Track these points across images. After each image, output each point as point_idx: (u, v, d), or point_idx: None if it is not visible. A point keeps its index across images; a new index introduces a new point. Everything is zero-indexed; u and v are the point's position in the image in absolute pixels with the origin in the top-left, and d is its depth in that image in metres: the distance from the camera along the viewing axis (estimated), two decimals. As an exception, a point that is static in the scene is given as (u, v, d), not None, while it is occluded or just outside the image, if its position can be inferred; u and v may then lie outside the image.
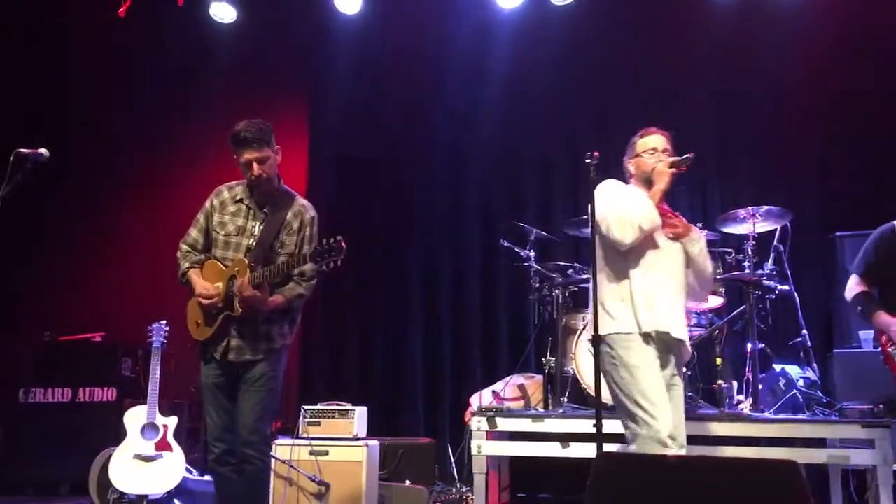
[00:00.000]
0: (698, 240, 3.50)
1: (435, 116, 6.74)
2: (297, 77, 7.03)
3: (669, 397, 3.28)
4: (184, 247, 3.72)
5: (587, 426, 4.48)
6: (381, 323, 6.58)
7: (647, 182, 3.45)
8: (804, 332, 5.13)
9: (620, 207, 3.34)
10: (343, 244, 3.28)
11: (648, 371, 3.23)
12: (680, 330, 3.35)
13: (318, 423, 4.85)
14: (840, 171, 6.03)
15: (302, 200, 3.72)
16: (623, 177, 3.63)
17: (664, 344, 3.33)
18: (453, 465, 5.74)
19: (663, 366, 3.33)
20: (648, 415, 3.17)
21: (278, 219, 3.60)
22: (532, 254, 5.42)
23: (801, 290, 5.34)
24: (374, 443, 4.94)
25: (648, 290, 3.32)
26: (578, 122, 6.44)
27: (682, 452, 3.28)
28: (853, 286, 4.32)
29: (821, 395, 4.85)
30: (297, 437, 4.84)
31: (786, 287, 5.13)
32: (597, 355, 3.23)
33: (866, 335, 5.27)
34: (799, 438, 4.60)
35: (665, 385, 3.30)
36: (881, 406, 4.54)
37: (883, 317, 4.18)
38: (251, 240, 3.60)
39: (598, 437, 3.21)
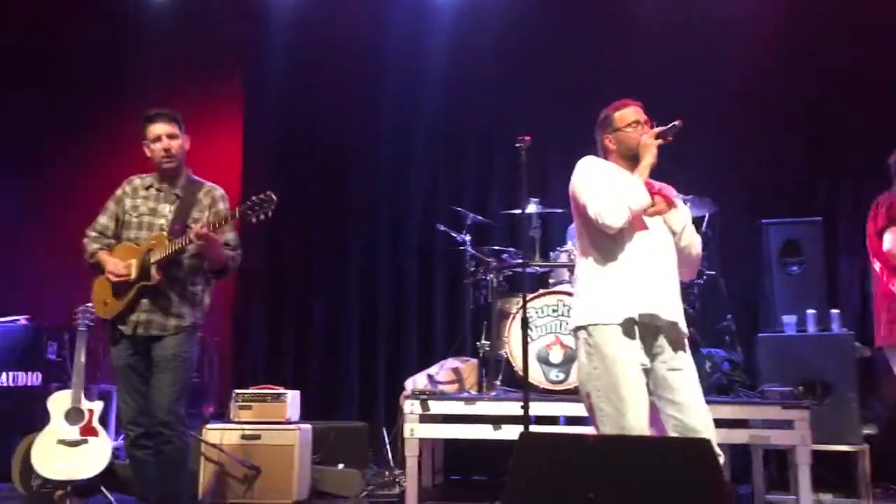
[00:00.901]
0: (682, 214, 3.21)
1: (374, 102, 6.70)
2: (232, 63, 6.87)
3: (674, 383, 3.00)
4: (92, 233, 3.76)
5: (519, 408, 4.58)
6: (317, 307, 6.54)
7: (631, 158, 3.18)
8: (730, 316, 5.28)
9: (607, 189, 3.09)
10: (273, 196, 3.38)
11: (625, 364, 2.98)
12: (671, 311, 3.07)
13: (250, 408, 4.82)
14: (768, 159, 6.19)
15: (211, 183, 3.84)
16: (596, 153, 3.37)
17: (654, 329, 3.04)
18: (388, 448, 5.76)
19: (654, 354, 3.06)
20: (617, 411, 2.93)
21: (189, 198, 3.71)
22: (468, 238, 5.44)
23: (728, 276, 5.50)
24: (307, 426, 4.92)
25: (635, 272, 3.07)
26: (518, 107, 6.46)
27: (710, 436, 2.90)
28: None
29: (745, 377, 4.99)
30: (229, 422, 4.80)
31: (713, 272, 5.27)
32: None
33: (789, 319, 5.44)
34: (724, 419, 4.74)
35: (662, 374, 3.03)
36: (801, 388, 4.71)
37: None
38: (162, 220, 3.69)
39: (525, 419, 3.26)
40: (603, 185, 3.10)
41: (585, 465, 2.37)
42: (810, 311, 5.41)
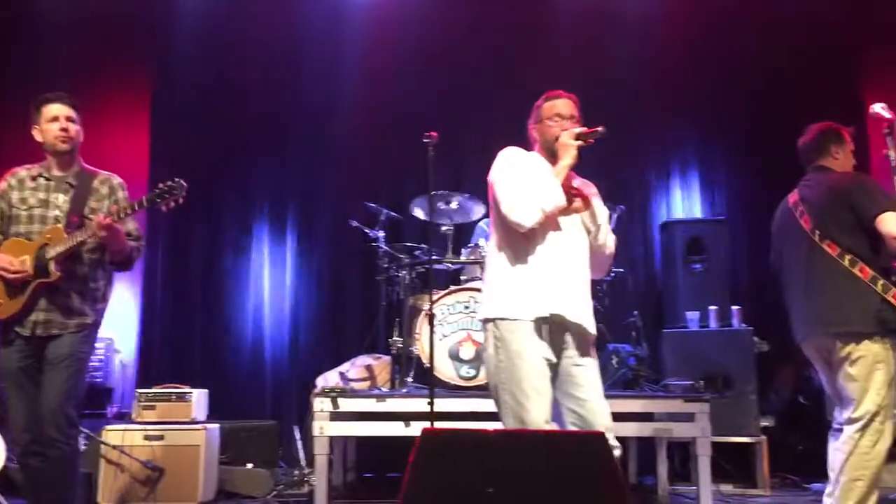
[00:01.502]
0: (598, 213, 3.16)
1: (288, 95, 6.59)
2: (140, 51, 6.63)
3: (577, 378, 3.02)
4: None
5: (425, 405, 4.59)
6: (227, 303, 6.40)
7: (552, 152, 3.12)
8: (636, 312, 5.41)
9: (521, 186, 3.03)
10: (183, 183, 3.26)
11: (530, 359, 2.97)
12: (580, 314, 3.05)
13: (154, 407, 4.69)
14: (675, 159, 6.36)
15: (107, 172, 3.67)
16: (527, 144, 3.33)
17: (561, 328, 3.04)
18: (299, 446, 5.69)
19: (561, 350, 3.05)
20: (521, 406, 2.94)
21: (84, 187, 3.52)
22: (381, 234, 5.42)
23: (635, 273, 5.64)
24: (214, 426, 4.81)
25: (546, 271, 3.03)
26: (433, 102, 6.45)
27: (609, 436, 2.93)
28: None
29: (649, 372, 5.12)
30: (131, 422, 4.66)
31: (621, 269, 5.39)
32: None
33: (692, 315, 5.62)
34: (630, 413, 4.85)
35: (567, 370, 3.04)
36: (701, 382, 4.85)
37: None
38: (56, 211, 3.50)
39: (431, 416, 3.26)
40: (519, 180, 3.05)
41: (484, 460, 2.37)
42: (712, 308, 5.60)
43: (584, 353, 3.07)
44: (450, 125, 6.43)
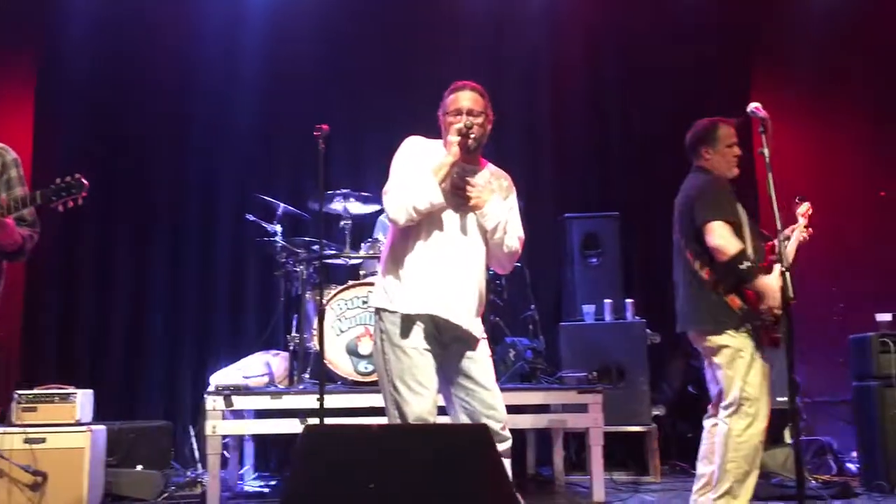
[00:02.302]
0: (493, 214, 3.09)
1: (184, 87, 6.39)
2: (25, 39, 6.29)
3: (467, 372, 3.04)
4: None
5: (328, 401, 4.54)
6: (118, 299, 6.15)
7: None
8: (533, 306, 5.49)
9: (400, 181, 3.02)
10: (84, 181, 3.05)
11: (413, 352, 2.99)
12: (459, 314, 3.03)
13: (35, 409, 4.46)
14: (572, 155, 6.49)
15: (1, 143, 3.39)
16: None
17: (443, 327, 3.04)
18: (194, 446, 5.55)
19: (446, 344, 3.07)
20: (402, 398, 2.95)
21: None
22: (279, 229, 5.33)
23: (533, 268, 5.71)
24: (101, 428, 4.63)
25: (429, 269, 3.02)
26: (332, 96, 6.39)
27: (500, 427, 3.02)
28: (731, 235, 3.53)
29: (546, 364, 5.21)
30: (10, 425, 4.43)
31: (519, 264, 5.45)
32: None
33: (588, 309, 5.75)
34: (527, 405, 4.93)
35: (456, 364, 3.05)
36: (595, 373, 4.97)
37: (766, 280, 3.57)
38: None
39: (321, 412, 3.22)
40: (405, 174, 3.02)
41: (367, 455, 2.36)
42: (607, 301, 5.74)
43: (472, 347, 3.09)
44: (352, 118, 6.42)
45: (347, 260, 5.13)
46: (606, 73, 6.61)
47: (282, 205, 5.38)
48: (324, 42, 6.46)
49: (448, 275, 3.03)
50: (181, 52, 6.38)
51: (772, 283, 3.47)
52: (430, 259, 3.04)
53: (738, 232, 3.55)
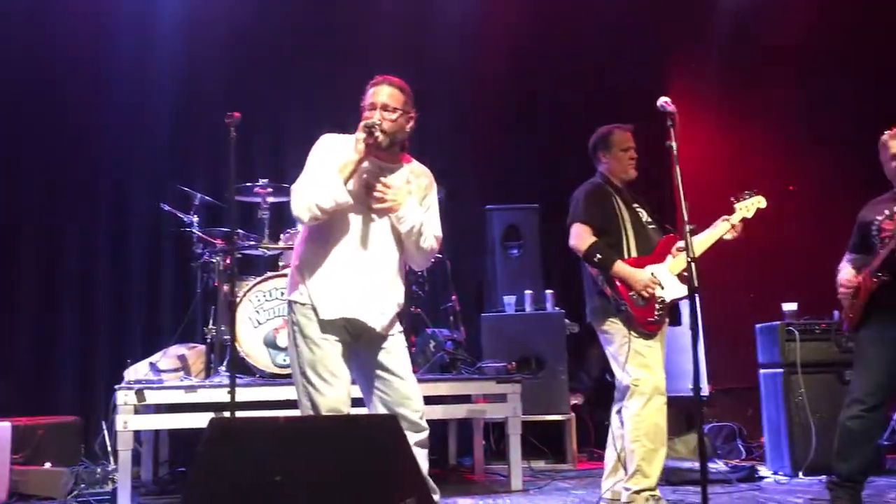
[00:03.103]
0: (407, 218, 3.05)
1: (98, 74, 6.16)
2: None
3: (383, 364, 3.05)
4: None
5: (243, 395, 4.48)
6: (26, 290, 5.90)
7: None
8: (454, 297, 5.52)
9: (308, 179, 2.99)
10: None
11: (325, 344, 2.98)
12: (374, 317, 3.02)
13: (-68, 406, 4.28)
14: (494, 148, 6.53)
15: None
16: None
17: (355, 325, 3.04)
18: (107, 442, 5.39)
19: (360, 335, 3.06)
20: (314, 388, 2.95)
21: None
22: (196, 219, 5.21)
23: (455, 259, 5.73)
24: (5, 424, 4.47)
25: (340, 272, 3.01)
26: (253, 86, 6.27)
27: (417, 417, 3.04)
28: (586, 235, 3.82)
29: (466, 355, 5.24)
30: None
31: (440, 255, 5.47)
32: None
33: (509, 300, 5.81)
34: (449, 396, 4.96)
35: (371, 356, 3.06)
36: (514, 364, 5.03)
37: (624, 268, 3.76)
38: None
39: (232, 406, 3.17)
40: (309, 175, 3.01)
41: (274, 448, 2.34)
42: (528, 292, 5.81)
43: (384, 339, 3.09)
44: (274, 107, 6.32)
45: (266, 251, 5.05)
46: (527, 68, 6.67)
47: (199, 194, 5.27)
48: (245, 29, 6.32)
49: (360, 277, 3.03)
50: (92, 38, 6.15)
51: (633, 270, 3.71)
52: (342, 260, 3.03)
53: (610, 231, 3.82)
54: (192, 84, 6.26)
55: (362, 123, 3.00)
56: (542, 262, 6.09)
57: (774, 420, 5.06)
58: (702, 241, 3.82)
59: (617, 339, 3.78)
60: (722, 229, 3.86)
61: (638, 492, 3.63)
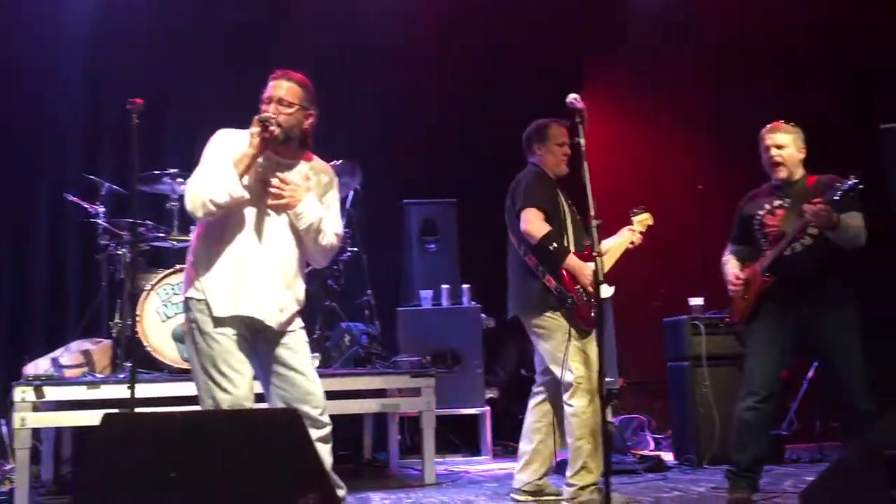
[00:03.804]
0: (307, 215, 3.02)
1: (2, 61, 5.89)
2: None
3: (283, 360, 3.02)
4: None
5: (149, 391, 4.36)
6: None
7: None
8: (369, 291, 5.49)
9: (202, 174, 2.94)
10: None
11: (223, 338, 2.94)
12: (272, 315, 2.99)
13: None
14: (411, 142, 6.51)
15: None
16: None
17: (249, 321, 3.00)
18: (6, 440, 5.16)
19: (259, 330, 3.01)
20: (216, 385, 2.91)
21: None
22: (102, 209, 5.04)
23: (372, 252, 5.70)
24: None
25: (237, 269, 2.96)
26: (165, 74, 6.09)
27: (318, 413, 3.02)
28: (540, 221, 3.73)
29: (381, 349, 5.22)
30: None
31: (356, 249, 5.44)
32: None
33: (426, 294, 5.81)
34: (364, 390, 4.93)
35: (271, 351, 3.02)
36: (428, 358, 5.03)
37: (576, 261, 3.76)
38: None
39: (132, 402, 3.08)
40: (204, 169, 2.96)
41: (170, 444, 2.27)
42: (444, 286, 5.83)
43: (284, 335, 3.06)
44: (186, 96, 6.14)
45: (175, 243, 4.92)
46: (445, 64, 6.68)
47: (106, 183, 5.10)
48: (158, 13, 6.14)
49: (256, 273, 2.99)
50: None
51: (584, 264, 3.70)
52: (237, 257, 2.98)
53: (556, 221, 3.75)
54: (101, 71, 6.05)
55: (256, 117, 2.95)
56: (459, 256, 6.11)
57: (681, 412, 5.20)
58: (612, 254, 3.94)
59: (556, 335, 3.72)
60: (626, 239, 4.00)
61: (583, 487, 3.67)
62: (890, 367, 4.45)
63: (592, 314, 3.73)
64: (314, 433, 2.87)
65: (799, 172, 3.76)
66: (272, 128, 2.92)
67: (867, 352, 3.60)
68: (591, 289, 3.63)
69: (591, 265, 3.58)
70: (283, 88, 3.04)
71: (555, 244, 3.67)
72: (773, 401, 3.66)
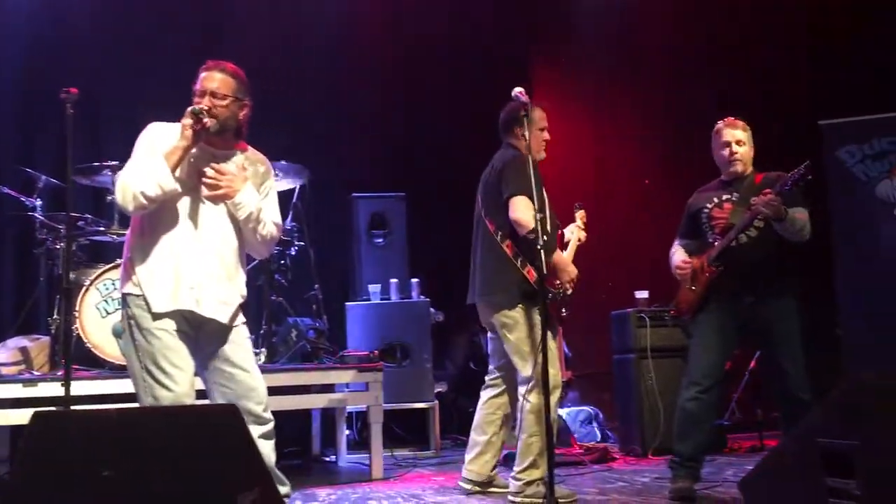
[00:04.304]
0: (246, 205, 3.00)
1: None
2: None
3: (225, 355, 2.99)
4: None
5: (88, 388, 4.26)
6: None
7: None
8: (317, 286, 5.44)
9: (133, 167, 2.90)
10: None
11: (163, 334, 2.90)
12: (213, 308, 2.95)
13: None
14: (360, 135, 6.47)
15: None
16: None
17: (190, 316, 2.96)
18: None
19: (201, 324, 2.98)
20: (156, 382, 2.86)
21: None
22: (39, 202, 4.90)
23: (320, 247, 5.65)
24: None
25: (176, 263, 2.93)
26: (106, 65, 5.93)
27: (261, 409, 2.99)
28: (532, 211, 3.49)
29: (328, 344, 5.18)
30: None
31: (303, 243, 5.39)
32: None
33: (374, 288, 5.78)
34: (313, 386, 4.88)
35: (213, 348, 2.99)
36: (376, 352, 5.00)
37: (560, 253, 3.83)
38: None
39: (67, 399, 3.01)
40: (135, 162, 2.92)
41: (103, 442, 2.21)
42: (393, 280, 5.80)
43: (228, 330, 3.02)
44: (126, 88, 5.98)
45: (115, 237, 4.81)
46: (394, 57, 6.62)
47: (43, 176, 4.95)
48: (94, 4, 5.98)
49: (195, 267, 2.95)
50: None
51: (567, 260, 3.71)
52: (175, 250, 2.94)
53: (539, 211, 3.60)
54: (36, 60, 5.86)
55: (189, 109, 2.91)
56: (408, 250, 6.08)
57: (626, 404, 5.27)
58: (571, 247, 3.98)
59: (525, 328, 3.67)
60: (577, 235, 4.02)
61: (529, 482, 3.68)
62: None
63: (563, 311, 3.75)
64: (257, 430, 2.84)
65: (749, 169, 3.83)
66: (205, 120, 2.89)
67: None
68: (568, 286, 3.63)
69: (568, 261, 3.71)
70: (215, 81, 3.00)
71: (543, 238, 3.50)
72: (716, 391, 3.72)
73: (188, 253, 2.95)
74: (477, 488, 3.93)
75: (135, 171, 2.88)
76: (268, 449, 2.95)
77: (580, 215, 4.11)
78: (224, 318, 2.99)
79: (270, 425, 3.01)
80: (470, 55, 6.67)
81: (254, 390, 2.98)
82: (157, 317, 2.89)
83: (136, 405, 3.03)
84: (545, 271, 3.28)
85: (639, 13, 6.95)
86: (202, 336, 2.99)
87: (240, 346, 3.03)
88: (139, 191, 2.83)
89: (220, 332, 3.00)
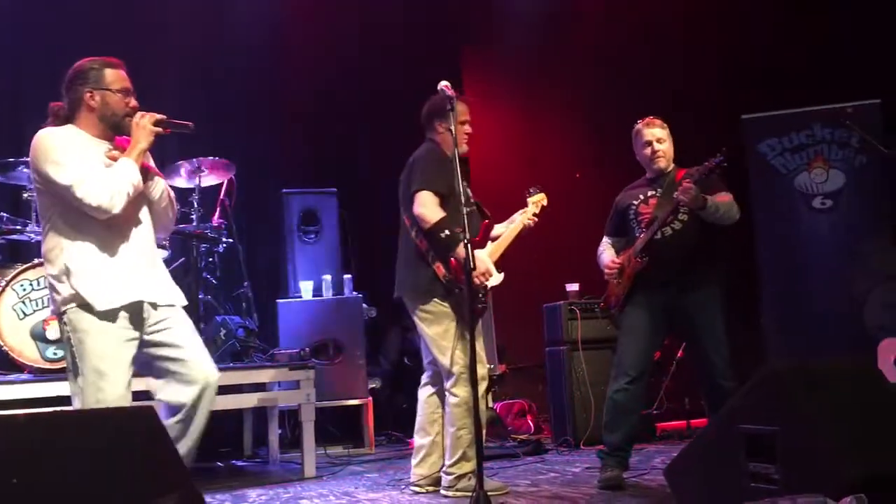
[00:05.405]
0: (158, 182, 3.11)
1: None
2: None
3: (169, 339, 2.99)
4: None
5: (5, 393, 4.10)
6: None
7: (112, 126, 3.00)
8: (246, 283, 5.35)
9: (87, 172, 2.84)
10: None
11: (104, 337, 2.87)
12: (154, 293, 3.00)
13: None
14: (291, 131, 6.38)
15: None
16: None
17: (139, 306, 2.96)
18: None
19: (143, 320, 2.97)
20: (94, 386, 2.83)
21: None
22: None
23: (250, 244, 5.57)
24: None
25: (117, 255, 2.94)
26: (31, 58, 5.72)
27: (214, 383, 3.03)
28: (435, 206, 3.63)
29: (259, 343, 5.10)
30: None
31: (232, 240, 5.28)
32: None
33: (306, 285, 5.71)
34: (243, 385, 4.79)
35: (157, 336, 2.99)
36: (307, 350, 4.95)
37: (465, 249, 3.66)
38: None
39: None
40: (86, 164, 2.87)
41: (13, 448, 2.12)
42: (325, 277, 5.74)
43: (167, 312, 3.05)
44: (50, 83, 5.74)
45: (33, 235, 4.64)
46: (325, 53, 6.55)
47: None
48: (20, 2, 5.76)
49: (131, 259, 2.98)
50: None
51: (481, 254, 3.64)
52: (109, 247, 2.95)
53: (451, 205, 3.60)
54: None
55: (159, 118, 3.01)
56: (340, 246, 6.03)
57: (558, 395, 5.32)
58: (506, 237, 3.92)
59: (442, 323, 3.67)
60: (519, 225, 3.95)
61: (461, 476, 3.67)
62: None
63: (480, 304, 3.73)
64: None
65: (671, 165, 3.90)
66: (168, 130, 3.06)
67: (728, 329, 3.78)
68: (482, 280, 3.57)
69: (483, 255, 3.66)
70: (127, 80, 3.07)
71: (446, 231, 3.51)
72: (644, 382, 3.78)
73: (120, 247, 2.97)
74: (430, 488, 3.84)
75: (112, 175, 2.89)
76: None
77: (535, 199, 4.03)
78: (175, 300, 3.07)
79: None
80: (402, 52, 6.64)
81: (205, 368, 3.01)
82: (101, 316, 2.87)
83: (48, 409, 2.96)
84: (473, 265, 3.27)
85: (570, 13, 7.02)
86: (145, 330, 2.98)
87: (182, 324, 3.07)
88: (125, 191, 2.88)
89: (163, 318, 3.02)
